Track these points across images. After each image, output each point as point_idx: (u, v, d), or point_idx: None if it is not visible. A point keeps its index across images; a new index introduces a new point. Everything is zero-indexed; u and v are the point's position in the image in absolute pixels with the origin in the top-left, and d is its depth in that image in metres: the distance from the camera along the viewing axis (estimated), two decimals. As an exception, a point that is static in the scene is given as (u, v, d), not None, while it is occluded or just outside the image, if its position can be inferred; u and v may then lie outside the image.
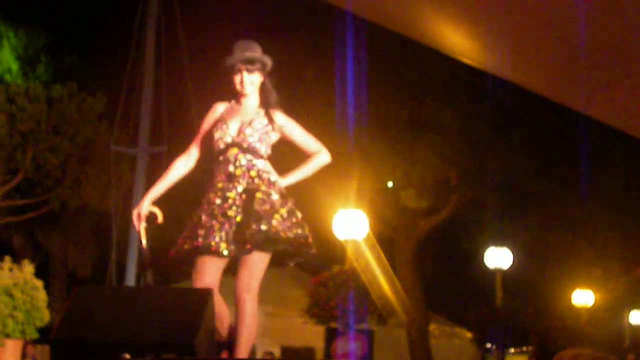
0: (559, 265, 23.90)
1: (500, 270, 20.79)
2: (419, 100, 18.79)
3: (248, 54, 5.74)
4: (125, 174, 15.81)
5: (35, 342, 11.64)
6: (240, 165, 5.51)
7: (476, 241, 22.11)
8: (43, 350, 14.49)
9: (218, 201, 5.44)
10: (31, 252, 20.63)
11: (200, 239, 5.32)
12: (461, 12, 7.33)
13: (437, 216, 20.66)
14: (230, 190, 5.45)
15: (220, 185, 5.49)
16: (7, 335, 11.19)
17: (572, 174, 19.07)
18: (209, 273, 5.35)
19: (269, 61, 5.83)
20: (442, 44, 9.21)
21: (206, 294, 5.01)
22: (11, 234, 21.36)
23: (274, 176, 5.63)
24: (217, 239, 5.31)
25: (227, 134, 5.58)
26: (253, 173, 5.52)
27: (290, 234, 5.48)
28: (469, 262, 23.43)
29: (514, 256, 20.95)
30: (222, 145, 5.56)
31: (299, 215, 5.58)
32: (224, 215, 5.37)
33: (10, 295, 11.41)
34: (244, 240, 5.34)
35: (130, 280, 14.01)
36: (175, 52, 14.97)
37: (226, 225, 5.35)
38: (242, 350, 5.29)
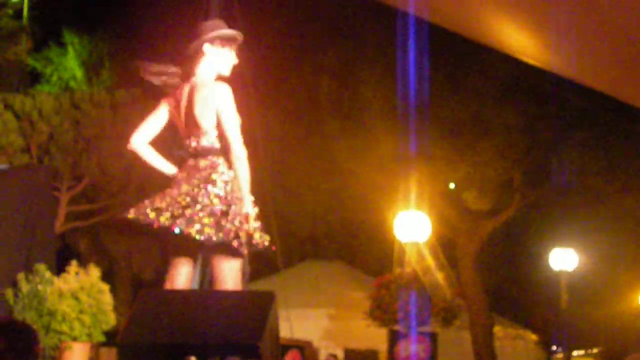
0: (627, 266, 23.54)
1: (565, 272, 20.54)
2: (480, 100, 18.66)
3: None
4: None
5: (102, 345, 11.77)
6: None
7: (541, 242, 21.87)
8: (110, 354, 14.65)
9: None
10: (97, 256, 20.86)
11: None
12: (523, 12, 7.26)
13: (501, 217, 20.46)
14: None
15: None
16: (74, 339, 11.33)
17: (638, 172, 18.78)
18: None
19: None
20: (504, 44, 9.14)
21: (270, 296, 5.03)
22: (77, 238, 21.63)
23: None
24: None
25: None
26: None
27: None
28: (533, 263, 23.20)
29: (579, 257, 20.69)
30: None
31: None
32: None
33: (77, 299, 11.55)
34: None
35: (194, 283, 14.09)
36: (237, 57, 15.03)
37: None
38: None
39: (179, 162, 5.79)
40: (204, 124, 5.57)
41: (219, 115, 5.53)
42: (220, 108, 5.54)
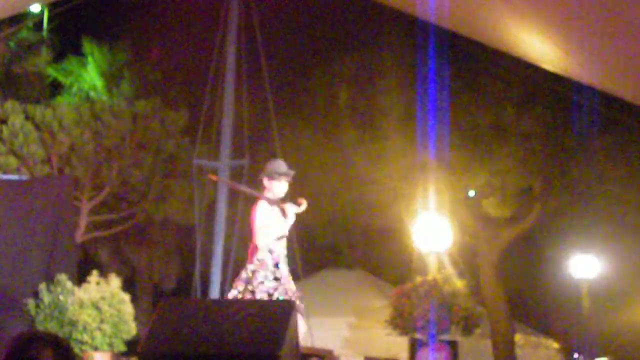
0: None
1: (586, 279, 20.42)
2: (500, 108, 18.61)
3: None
4: (207, 188, 15.96)
5: (123, 354, 11.81)
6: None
7: (562, 250, 21.74)
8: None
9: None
10: (118, 266, 20.91)
11: None
12: (546, 20, 7.24)
13: (521, 225, 20.37)
14: None
15: None
16: (96, 348, 11.37)
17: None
18: None
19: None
20: (524, 52, 9.12)
21: (290, 305, 5.02)
22: (98, 248, 21.68)
23: None
24: None
25: None
26: None
27: None
28: (554, 270, 23.06)
29: (601, 264, 20.56)
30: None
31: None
32: None
33: (98, 309, 11.60)
34: None
35: (215, 292, 14.11)
36: (256, 67, 15.08)
37: None
38: None
39: None
40: None
41: None
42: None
